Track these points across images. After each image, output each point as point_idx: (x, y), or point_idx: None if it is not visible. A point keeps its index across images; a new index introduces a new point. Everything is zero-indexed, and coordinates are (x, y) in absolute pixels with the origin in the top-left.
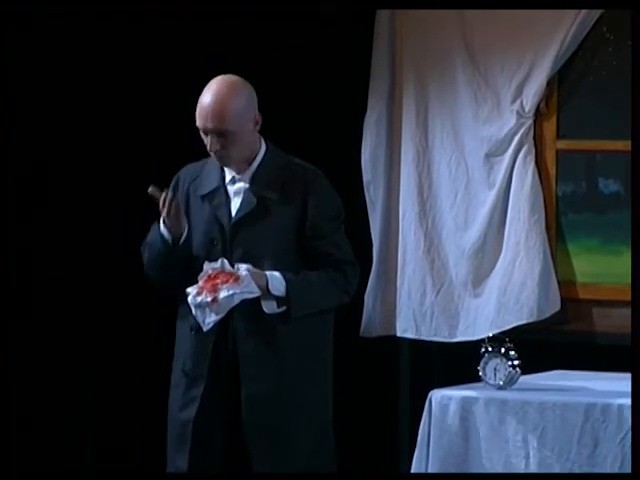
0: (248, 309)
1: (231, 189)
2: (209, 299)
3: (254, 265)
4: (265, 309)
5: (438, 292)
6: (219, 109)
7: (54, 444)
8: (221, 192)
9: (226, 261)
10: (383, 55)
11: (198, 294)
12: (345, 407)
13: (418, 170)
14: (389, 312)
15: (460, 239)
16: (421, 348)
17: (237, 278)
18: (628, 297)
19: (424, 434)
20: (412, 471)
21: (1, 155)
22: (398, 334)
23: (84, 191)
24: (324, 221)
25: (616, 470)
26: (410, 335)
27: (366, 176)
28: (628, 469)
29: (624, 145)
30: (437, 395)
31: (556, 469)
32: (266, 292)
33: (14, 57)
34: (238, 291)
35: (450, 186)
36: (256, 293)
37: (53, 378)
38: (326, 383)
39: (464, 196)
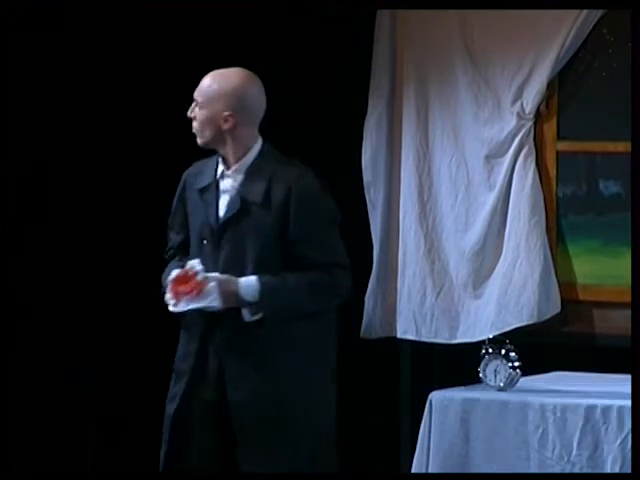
0: (234, 312)
1: (221, 185)
2: (171, 304)
3: (238, 267)
4: (243, 317)
5: (438, 294)
6: (209, 80)
7: (54, 444)
8: (213, 188)
9: (199, 266)
10: (383, 56)
11: (168, 292)
12: (346, 408)
13: (418, 171)
14: (389, 314)
15: (460, 240)
16: (421, 350)
17: (200, 291)
18: (628, 299)
19: (424, 435)
20: (412, 472)
21: (1, 155)
22: (398, 336)
23: (82, 188)
24: (307, 224)
25: (616, 472)
26: (410, 336)
27: (366, 177)
28: (628, 471)
29: (624, 146)
30: (437, 396)
31: (556, 470)
32: (234, 299)
33: (14, 57)
34: (195, 306)
35: (450, 187)
36: (216, 307)
37: (53, 378)
38: (323, 387)
39: (464, 197)
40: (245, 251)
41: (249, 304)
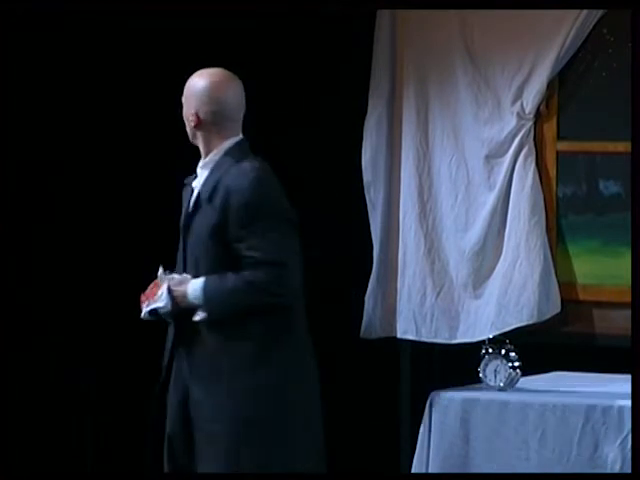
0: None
1: (195, 182)
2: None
3: (195, 266)
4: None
5: (438, 294)
6: (188, 80)
7: (54, 444)
8: (190, 185)
9: (161, 272)
10: (383, 56)
11: None
12: (346, 408)
13: (418, 171)
14: (389, 314)
15: (460, 240)
16: (421, 350)
17: (155, 294)
18: (628, 299)
19: (425, 435)
20: (412, 472)
21: (1, 155)
22: (398, 336)
23: (83, 188)
24: (241, 223)
25: (616, 472)
26: (410, 337)
27: (366, 177)
28: (628, 471)
29: (624, 146)
30: (438, 396)
31: (556, 470)
32: (184, 300)
33: (14, 57)
34: (149, 308)
35: (450, 188)
36: (163, 308)
37: (53, 378)
38: (279, 387)
39: (464, 197)
40: (199, 250)
41: (197, 305)
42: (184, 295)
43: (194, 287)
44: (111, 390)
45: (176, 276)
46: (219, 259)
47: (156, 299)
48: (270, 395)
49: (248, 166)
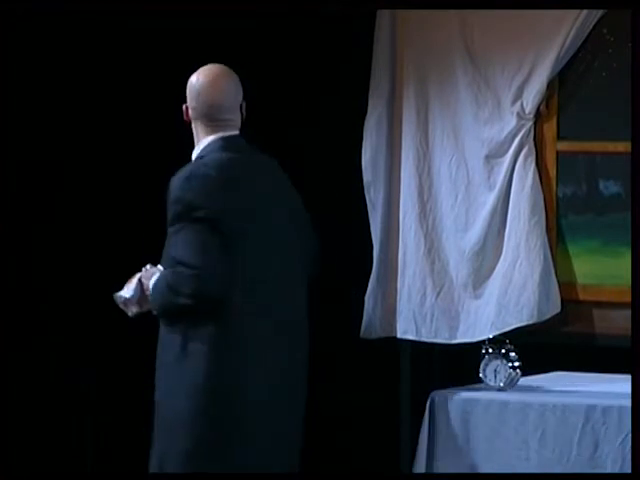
0: None
1: None
2: None
3: (164, 259)
4: None
5: (438, 294)
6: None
7: (54, 444)
8: None
9: (148, 266)
10: (383, 56)
11: None
12: (346, 408)
13: (418, 171)
14: (389, 314)
15: (460, 240)
16: (421, 350)
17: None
18: (629, 299)
19: (425, 435)
20: (413, 472)
21: (1, 155)
22: (398, 336)
23: (83, 188)
24: (168, 222)
25: (616, 472)
26: (410, 337)
27: (366, 177)
28: (628, 471)
29: (624, 146)
30: (437, 396)
31: (556, 470)
32: (149, 292)
33: (14, 57)
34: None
35: (450, 188)
36: (130, 298)
37: (53, 378)
38: (198, 391)
39: (464, 198)
40: (166, 245)
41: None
42: (148, 288)
43: (152, 282)
44: (111, 390)
45: (152, 269)
46: (172, 255)
47: (128, 288)
48: (198, 394)
49: (194, 163)
